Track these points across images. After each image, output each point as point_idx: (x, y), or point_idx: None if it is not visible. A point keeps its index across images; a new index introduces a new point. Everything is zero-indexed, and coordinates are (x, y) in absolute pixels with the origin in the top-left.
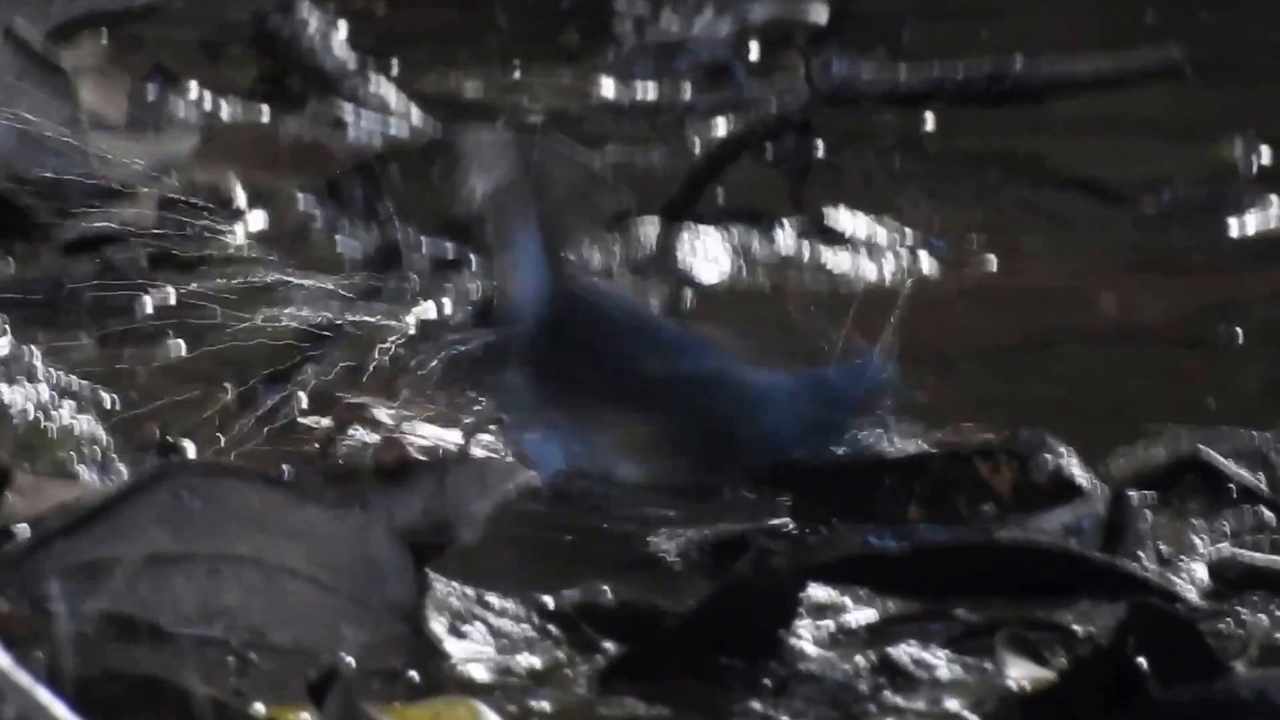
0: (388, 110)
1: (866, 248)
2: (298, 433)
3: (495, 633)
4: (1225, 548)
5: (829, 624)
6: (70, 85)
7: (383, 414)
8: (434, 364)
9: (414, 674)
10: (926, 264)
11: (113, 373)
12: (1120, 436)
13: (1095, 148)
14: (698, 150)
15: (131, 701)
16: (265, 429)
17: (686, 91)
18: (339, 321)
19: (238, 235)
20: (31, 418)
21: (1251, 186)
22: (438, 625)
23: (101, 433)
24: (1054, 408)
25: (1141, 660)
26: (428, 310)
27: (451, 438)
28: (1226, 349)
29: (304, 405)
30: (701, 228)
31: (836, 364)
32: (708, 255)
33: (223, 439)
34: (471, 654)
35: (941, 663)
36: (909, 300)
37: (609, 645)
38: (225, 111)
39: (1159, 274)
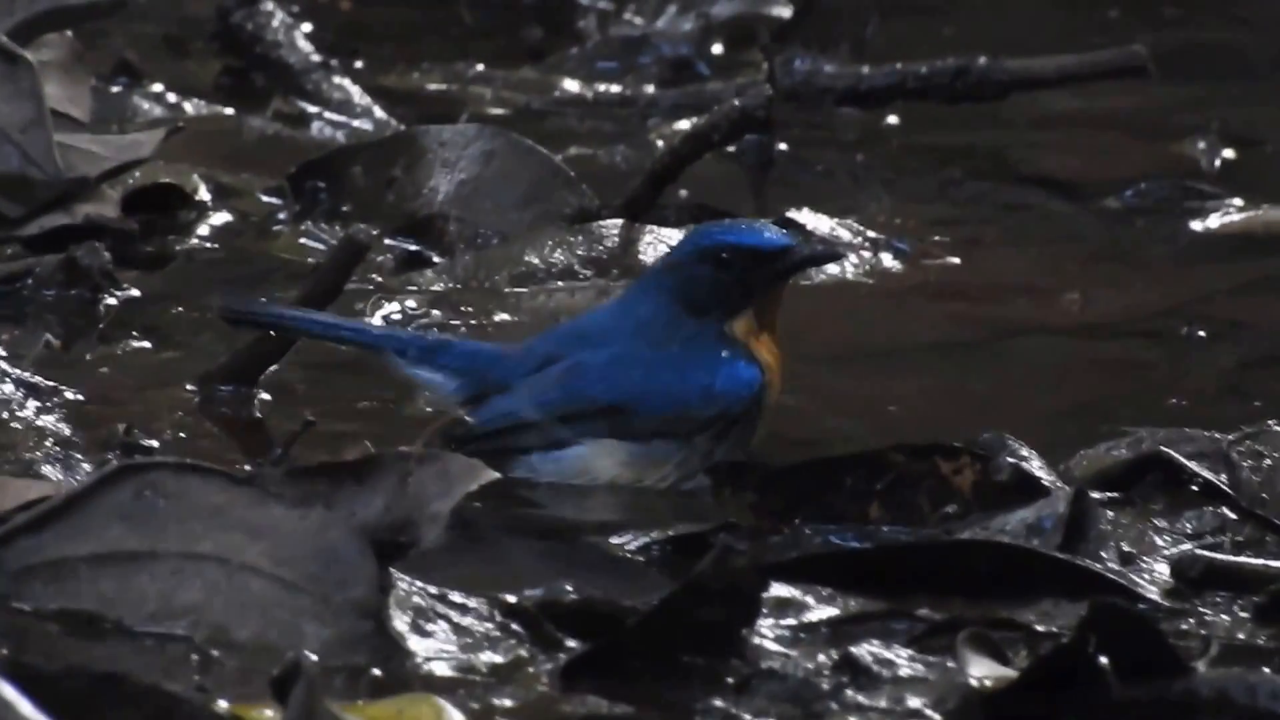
0: (351, 106)
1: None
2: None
3: (458, 630)
4: (1187, 547)
5: (791, 622)
6: (35, 82)
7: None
8: None
9: (377, 671)
10: (888, 260)
11: (77, 370)
12: (1082, 434)
13: (1058, 144)
14: (660, 147)
15: (95, 698)
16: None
17: (649, 88)
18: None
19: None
20: None
21: (1213, 183)
22: (401, 623)
23: (66, 430)
24: (1016, 405)
25: (1103, 659)
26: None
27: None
28: (1188, 345)
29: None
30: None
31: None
32: None
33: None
34: (434, 651)
35: (903, 661)
36: (870, 297)
37: (571, 643)
38: (189, 108)
39: (1121, 270)
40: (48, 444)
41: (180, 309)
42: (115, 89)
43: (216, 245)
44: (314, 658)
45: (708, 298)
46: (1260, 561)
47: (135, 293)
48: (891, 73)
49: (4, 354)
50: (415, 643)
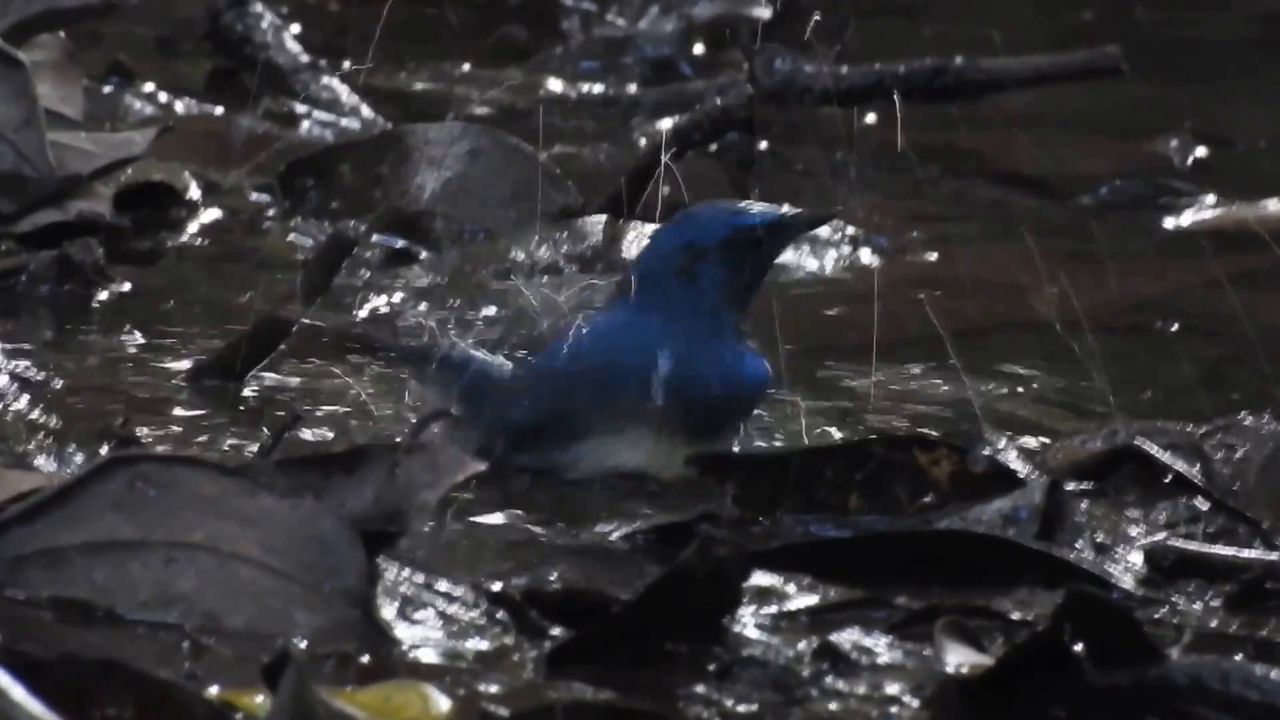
0: (339, 106)
1: (808, 241)
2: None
3: (445, 618)
4: (1160, 537)
5: (772, 610)
6: (29, 82)
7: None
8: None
9: (365, 658)
10: (867, 256)
11: (70, 364)
12: (1057, 427)
13: (1033, 143)
14: (643, 145)
15: (88, 685)
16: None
17: (632, 87)
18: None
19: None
20: None
21: (1186, 181)
22: (389, 611)
23: (59, 423)
24: (992, 398)
25: (1078, 647)
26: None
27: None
28: (1161, 340)
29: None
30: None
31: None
32: None
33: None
34: (421, 638)
35: (882, 648)
36: (849, 292)
37: (556, 630)
38: (180, 107)
39: (1096, 266)
40: (40, 436)
41: (172, 303)
42: (108, 89)
43: (207, 241)
44: (304, 645)
45: (741, 282)
46: (1232, 551)
47: (127, 288)
48: (870, 73)
49: None
50: (403, 630)
